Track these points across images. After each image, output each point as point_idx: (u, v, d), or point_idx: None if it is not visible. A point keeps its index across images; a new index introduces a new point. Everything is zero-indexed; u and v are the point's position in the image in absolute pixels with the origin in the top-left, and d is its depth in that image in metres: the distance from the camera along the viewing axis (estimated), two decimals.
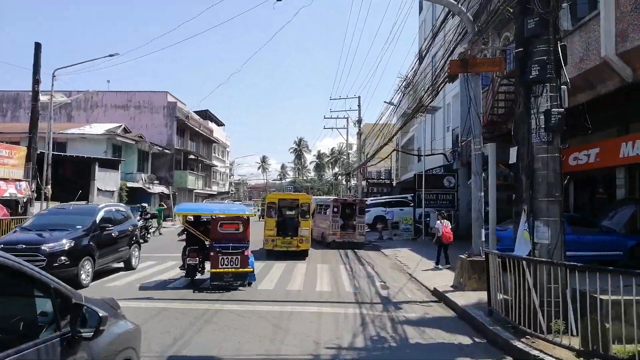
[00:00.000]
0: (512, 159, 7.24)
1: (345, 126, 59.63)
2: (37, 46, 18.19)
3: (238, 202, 50.33)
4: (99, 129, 32.58)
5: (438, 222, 14.23)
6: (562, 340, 5.49)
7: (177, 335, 6.50)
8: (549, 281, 6.21)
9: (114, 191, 28.72)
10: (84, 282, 9.99)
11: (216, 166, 57.32)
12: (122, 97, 39.71)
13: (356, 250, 18.23)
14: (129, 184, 31.86)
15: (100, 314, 2.78)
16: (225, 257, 9.65)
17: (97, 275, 10.99)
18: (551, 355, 5.51)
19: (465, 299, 8.99)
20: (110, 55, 19.10)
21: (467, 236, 16.49)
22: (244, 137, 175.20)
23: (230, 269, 9.65)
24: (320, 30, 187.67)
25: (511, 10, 8.78)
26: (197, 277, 10.45)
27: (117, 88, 41.61)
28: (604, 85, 10.74)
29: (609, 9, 9.49)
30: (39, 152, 19.95)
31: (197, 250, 10.28)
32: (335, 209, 19.33)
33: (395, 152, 38.64)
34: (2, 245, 9.25)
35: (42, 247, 9.57)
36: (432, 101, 19.62)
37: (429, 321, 7.63)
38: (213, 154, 55.79)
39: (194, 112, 49.98)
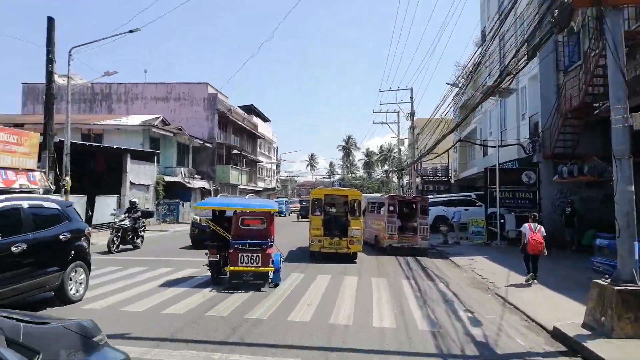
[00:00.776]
0: None
1: (396, 120, 56.18)
2: (50, 21, 16.07)
3: (284, 199, 47.89)
4: (135, 120, 30.85)
5: (526, 225, 10.74)
6: None
7: None
8: None
9: (149, 185, 26.72)
10: None
11: (261, 162, 55.18)
12: (161, 89, 38.04)
13: (419, 258, 14.85)
14: (167, 178, 29.88)
15: None
16: (244, 254, 9.03)
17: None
18: None
19: (620, 353, 5.54)
20: (131, 31, 16.66)
21: (552, 243, 14.21)
22: (292, 136, 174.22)
23: (250, 267, 9.02)
24: (368, 16, 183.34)
25: None
26: (221, 276, 9.71)
27: (158, 79, 40.29)
28: None
29: None
30: (57, 141, 17.93)
31: (220, 246, 9.54)
32: (392, 208, 15.99)
33: (453, 147, 34.65)
34: None
35: None
36: (510, 82, 15.99)
37: None
38: (258, 150, 53.68)
39: (239, 107, 48.03)
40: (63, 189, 17.59)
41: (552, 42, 17.06)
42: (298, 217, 36.63)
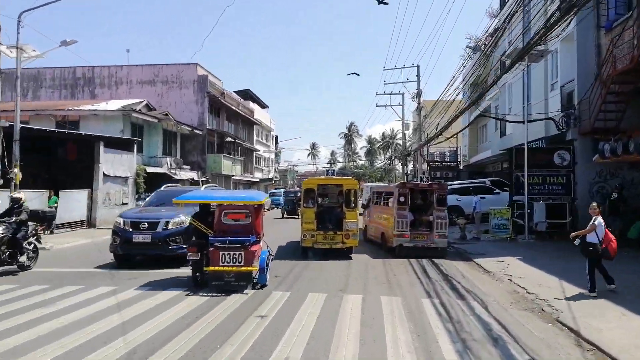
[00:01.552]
0: None
1: (401, 103, 53.07)
2: None
3: (282, 190, 44.73)
4: (115, 105, 28.01)
5: (599, 220, 8.07)
6: None
7: None
8: None
9: (127, 177, 23.91)
10: None
11: (258, 151, 52.32)
12: (147, 72, 35.11)
13: (436, 261, 12.08)
14: (151, 169, 27.10)
15: None
16: (225, 252, 8.16)
17: None
18: None
19: None
20: None
21: None
22: (292, 124, 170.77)
23: (231, 267, 8.15)
24: None
25: None
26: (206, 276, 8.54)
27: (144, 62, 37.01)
28: None
29: None
30: (7, 125, 15.17)
31: (202, 244, 8.49)
32: (402, 199, 13.17)
33: (462, 132, 31.59)
34: None
35: None
36: (542, 40, 13.16)
37: None
38: (255, 138, 50.80)
39: (234, 92, 45.12)
40: (12, 183, 14.88)
41: None
42: (283, 214, 30.42)
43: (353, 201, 13.11)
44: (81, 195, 20.37)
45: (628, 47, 13.20)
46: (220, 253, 8.13)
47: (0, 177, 14.94)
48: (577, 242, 8.01)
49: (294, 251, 13.40)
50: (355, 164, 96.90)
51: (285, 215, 29.72)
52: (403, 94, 46.70)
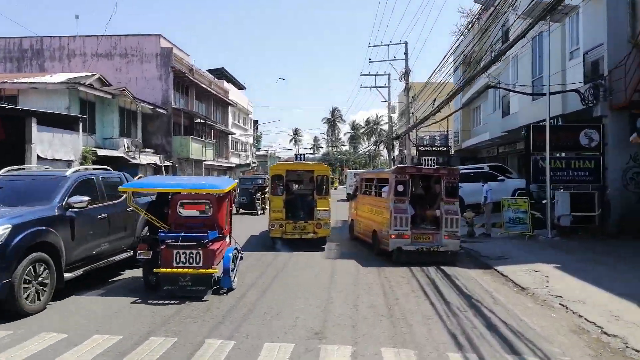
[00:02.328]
0: None
1: (387, 84, 49.99)
2: None
3: (259, 176, 41.24)
4: (60, 77, 24.17)
5: None
6: None
7: None
8: None
9: (71, 161, 20.28)
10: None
11: (234, 134, 48.63)
12: (105, 43, 31.02)
13: (449, 272, 8.99)
14: (103, 152, 23.43)
15: None
16: (180, 251, 6.91)
17: None
18: None
19: None
20: None
21: (625, 230, 12.46)
22: (274, 108, 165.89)
23: (187, 269, 6.87)
24: None
25: None
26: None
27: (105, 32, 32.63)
28: None
29: None
30: None
31: (155, 240, 7.25)
32: (400, 187, 9.99)
33: (453, 114, 28.33)
34: None
35: None
36: None
37: None
38: (231, 120, 47.07)
39: (207, 70, 41.28)
40: None
41: None
42: (238, 209, 22.89)
43: (325, 188, 12.44)
44: None
45: None
46: (174, 252, 6.95)
47: None
48: None
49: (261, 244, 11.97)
50: (338, 150, 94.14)
51: (242, 210, 23.15)
52: (389, 74, 43.70)
